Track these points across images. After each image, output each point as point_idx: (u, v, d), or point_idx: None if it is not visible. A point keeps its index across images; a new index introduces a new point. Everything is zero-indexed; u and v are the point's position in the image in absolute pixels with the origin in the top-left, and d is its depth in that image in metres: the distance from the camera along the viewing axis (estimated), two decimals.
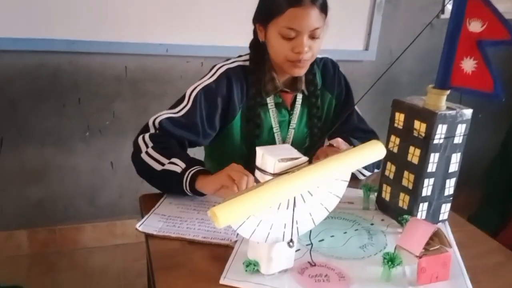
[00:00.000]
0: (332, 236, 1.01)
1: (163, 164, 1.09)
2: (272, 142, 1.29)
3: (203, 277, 0.85)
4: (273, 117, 1.27)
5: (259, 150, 0.82)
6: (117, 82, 2.13)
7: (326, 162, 0.79)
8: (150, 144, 1.13)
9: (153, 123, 1.18)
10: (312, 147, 1.30)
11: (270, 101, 1.26)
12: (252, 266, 0.85)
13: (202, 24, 2.05)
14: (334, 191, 0.85)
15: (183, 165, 1.07)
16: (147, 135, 1.16)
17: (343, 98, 1.38)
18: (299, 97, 1.30)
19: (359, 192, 1.17)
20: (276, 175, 0.78)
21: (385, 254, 0.85)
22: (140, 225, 1.00)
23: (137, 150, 1.14)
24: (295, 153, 0.82)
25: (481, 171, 2.50)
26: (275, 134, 1.29)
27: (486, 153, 2.54)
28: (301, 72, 1.19)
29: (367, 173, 1.32)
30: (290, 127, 1.31)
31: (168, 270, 0.87)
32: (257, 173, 0.83)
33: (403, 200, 1.05)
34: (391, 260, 0.84)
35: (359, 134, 1.35)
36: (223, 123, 1.25)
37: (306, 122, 1.33)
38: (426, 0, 2.35)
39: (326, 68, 1.34)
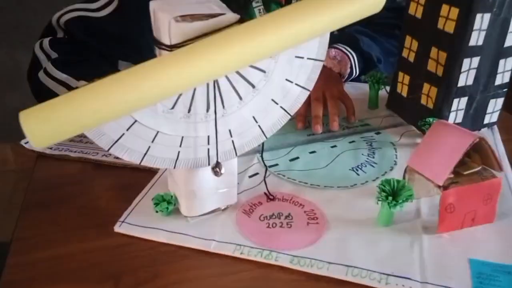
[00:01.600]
0: (313, 152, 0.67)
1: (69, 88, 0.71)
2: None
3: (95, 221, 0.54)
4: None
5: (152, 4, 0.45)
6: None
7: (269, 19, 0.42)
8: (53, 55, 0.75)
9: (58, 21, 0.77)
10: None
11: None
12: (164, 205, 0.53)
13: None
14: (295, 79, 0.49)
15: None
16: (46, 41, 0.76)
17: None
18: None
19: (364, 87, 0.80)
20: (176, 47, 0.42)
21: (383, 182, 0.50)
22: (27, 141, 0.69)
23: (34, 64, 0.77)
24: (216, 7, 0.45)
25: None
26: None
27: None
28: None
29: None
30: None
31: (46, 206, 0.57)
32: (156, 50, 0.47)
33: (428, 95, 0.67)
34: (393, 195, 0.49)
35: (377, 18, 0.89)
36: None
37: None
38: None
39: None
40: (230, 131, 0.48)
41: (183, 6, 0.43)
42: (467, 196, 0.50)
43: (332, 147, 0.68)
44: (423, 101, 0.68)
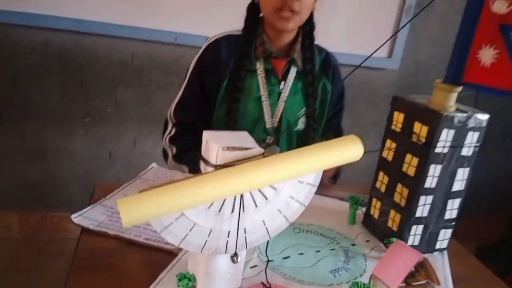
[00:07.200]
0: (301, 254, 0.84)
1: (184, 172, 1.16)
2: (259, 111, 1.17)
3: (128, 285, 0.70)
4: (262, 83, 1.16)
5: (205, 134, 0.66)
6: (122, 68, 2.02)
7: (283, 157, 0.62)
8: (174, 150, 1.19)
9: (170, 115, 1.21)
10: (307, 133, 1.20)
11: (259, 66, 1.16)
12: (185, 281, 0.69)
13: (213, 15, 1.93)
14: (296, 196, 0.68)
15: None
16: (168, 139, 1.20)
17: (336, 98, 1.28)
18: (293, 70, 1.18)
19: (345, 205, 0.99)
20: (219, 167, 0.62)
21: (352, 284, 0.67)
22: (77, 216, 0.86)
23: (165, 153, 1.23)
24: (249, 142, 0.66)
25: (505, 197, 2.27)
26: (264, 104, 1.17)
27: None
28: (288, 25, 1.09)
29: None
30: (280, 99, 1.18)
31: (88, 271, 0.73)
32: (202, 164, 0.67)
33: (393, 220, 0.87)
34: None
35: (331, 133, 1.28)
36: (214, 92, 1.17)
37: (300, 101, 1.19)
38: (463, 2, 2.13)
39: (327, 59, 1.25)
40: (245, 229, 0.67)
41: (227, 139, 0.64)
42: None
43: (317, 251, 0.85)
44: (389, 224, 0.88)
